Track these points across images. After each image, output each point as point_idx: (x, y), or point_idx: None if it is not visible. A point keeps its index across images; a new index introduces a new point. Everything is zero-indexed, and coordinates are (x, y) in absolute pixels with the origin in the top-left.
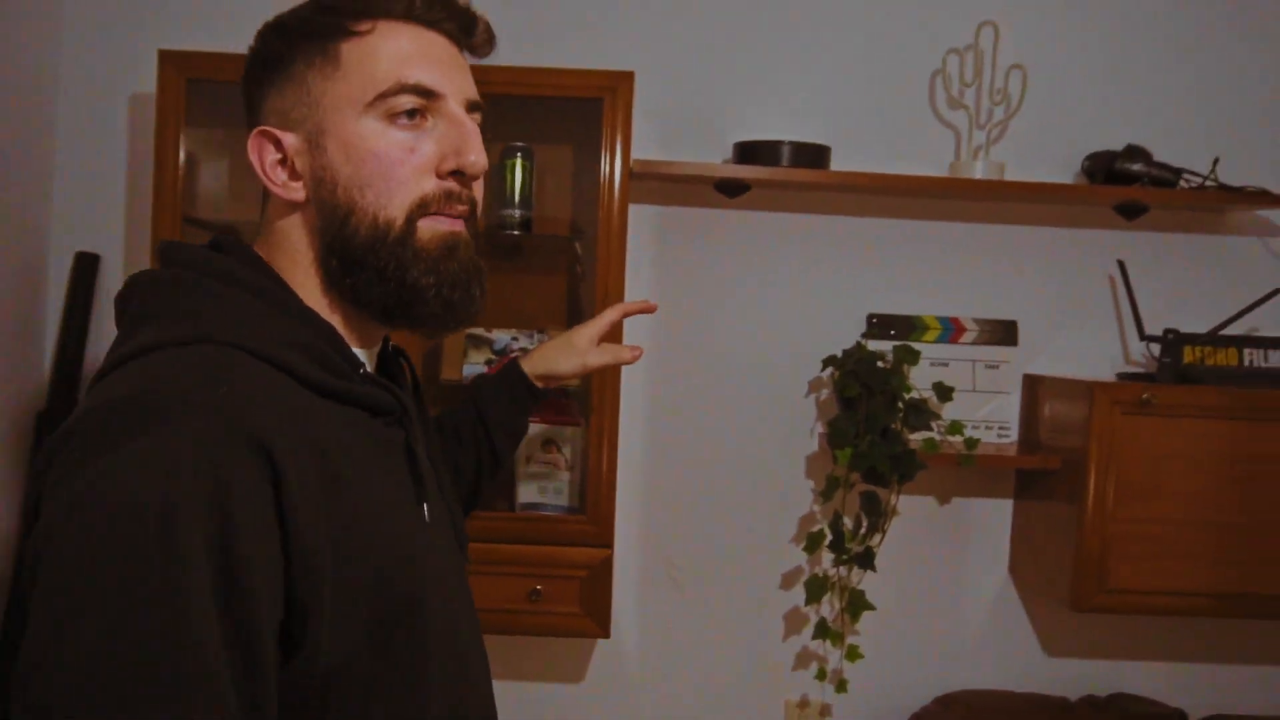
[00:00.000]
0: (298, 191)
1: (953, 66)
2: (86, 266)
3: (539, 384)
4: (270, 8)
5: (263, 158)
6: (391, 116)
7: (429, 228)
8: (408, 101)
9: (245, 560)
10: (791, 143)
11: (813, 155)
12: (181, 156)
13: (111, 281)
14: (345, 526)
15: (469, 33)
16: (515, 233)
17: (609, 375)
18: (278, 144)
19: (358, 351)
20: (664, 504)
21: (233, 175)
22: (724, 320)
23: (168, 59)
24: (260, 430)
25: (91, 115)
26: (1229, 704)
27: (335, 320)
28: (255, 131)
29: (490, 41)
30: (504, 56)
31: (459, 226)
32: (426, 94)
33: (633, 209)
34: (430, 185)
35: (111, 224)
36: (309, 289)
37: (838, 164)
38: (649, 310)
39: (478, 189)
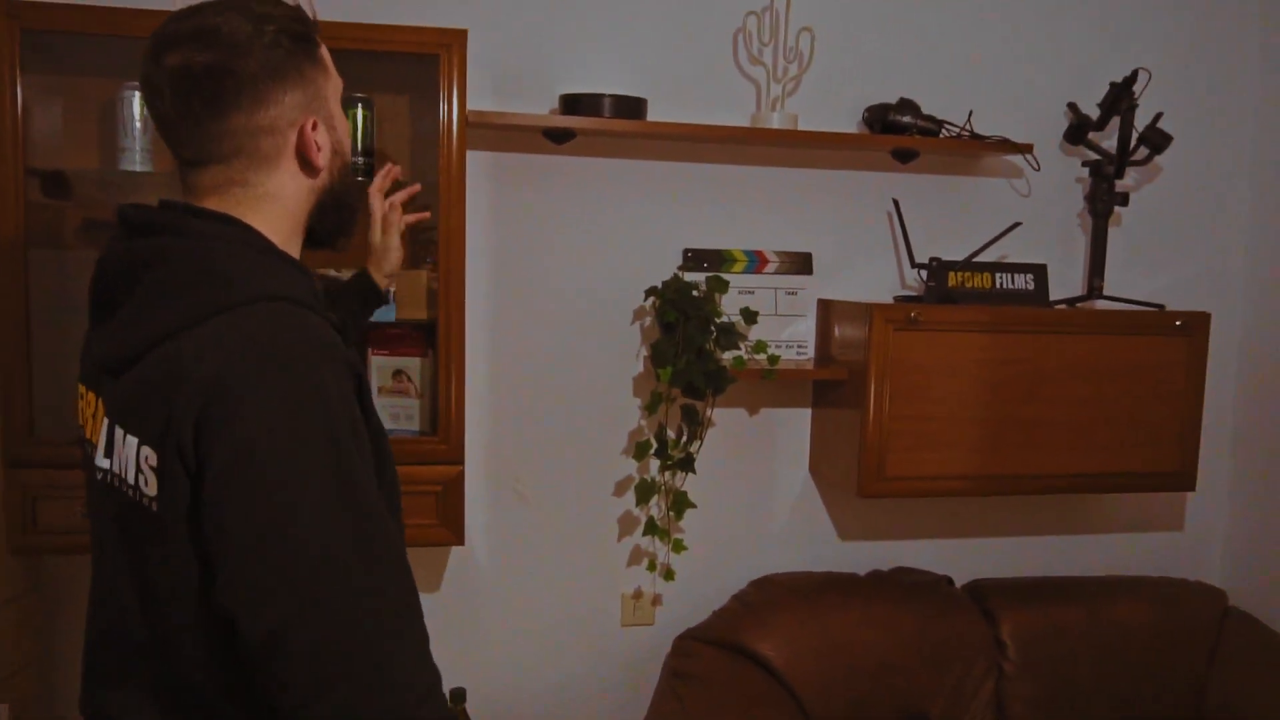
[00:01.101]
0: (323, 160)
1: (752, 26)
2: None
3: (383, 283)
4: None
5: (309, 138)
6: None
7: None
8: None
9: (363, 436)
10: (612, 95)
11: (631, 107)
12: (21, 106)
13: None
14: (374, 413)
15: None
16: (360, 179)
17: (453, 309)
18: (314, 127)
19: None
20: (507, 425)
21: (65, 121)
22: (555, 256)
23: (1, 8)
24: (348, 359)
25: None
26: (986, 570)
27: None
28: (305, 124)
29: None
30: (348, 13)
31: None
32: None
33: (470, 155)
34: None
35: None
36: (286, 241)
37: (653, 114)
38: (402, 184)
39: None
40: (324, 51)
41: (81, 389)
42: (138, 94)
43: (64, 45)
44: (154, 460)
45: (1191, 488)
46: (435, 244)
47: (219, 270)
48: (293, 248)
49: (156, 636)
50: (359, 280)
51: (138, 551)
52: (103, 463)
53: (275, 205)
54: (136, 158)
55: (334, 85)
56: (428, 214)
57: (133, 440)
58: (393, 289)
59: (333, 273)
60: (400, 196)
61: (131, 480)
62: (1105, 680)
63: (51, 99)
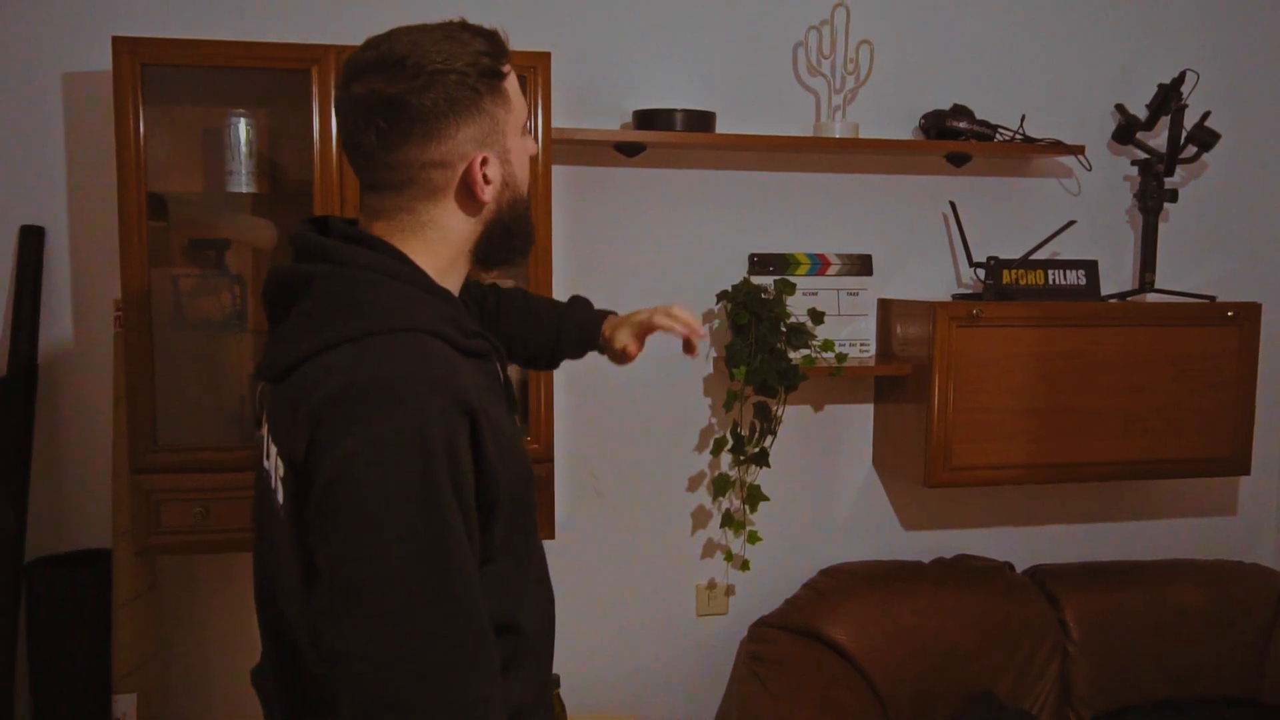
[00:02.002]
0: (490, 195)
1: (812, 41)
2: (32, 239)
3: (602, 340)
4: None
5: (475, 175)
6: (524, 132)
7: None
8: (525, 121)
9: (465, 476)
10: (684, 110)
11: (701, 120)
12: (143, 135)
13: (57, 252)
14: (501, 446)
15: None
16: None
17: None
18: (484, 162)
19: None
20: (586, 425)
21: (173, 149)
22: (628, 263)
23: (121, 44)
24: (461, 396)
25: (25, 95)
26: (1045, 556)
27: (450, 288)
28: (475, 160)
29: None
30: None
31: None
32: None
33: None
34: None
35: (53, 198)
36: (440, 269)
37: (720, 126)
38: (694, 335)
39: None
40: (508, 82)
41: (262, 416)
42: (244, 120)
43: (168, 76)
44: (282, 471)
45: (1245, 472)
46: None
47: (356, 301)
48: (452, 275)
49: (278, 626)
50: (591, 319)
51: (269, 546)
52: (264, 463)
53: (437, 234)
54: (242, 180)
55: (515, 117)
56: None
57: (274, 449)
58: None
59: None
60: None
61: (273, 484)
62: (1165, 659)
63: (157, 127)
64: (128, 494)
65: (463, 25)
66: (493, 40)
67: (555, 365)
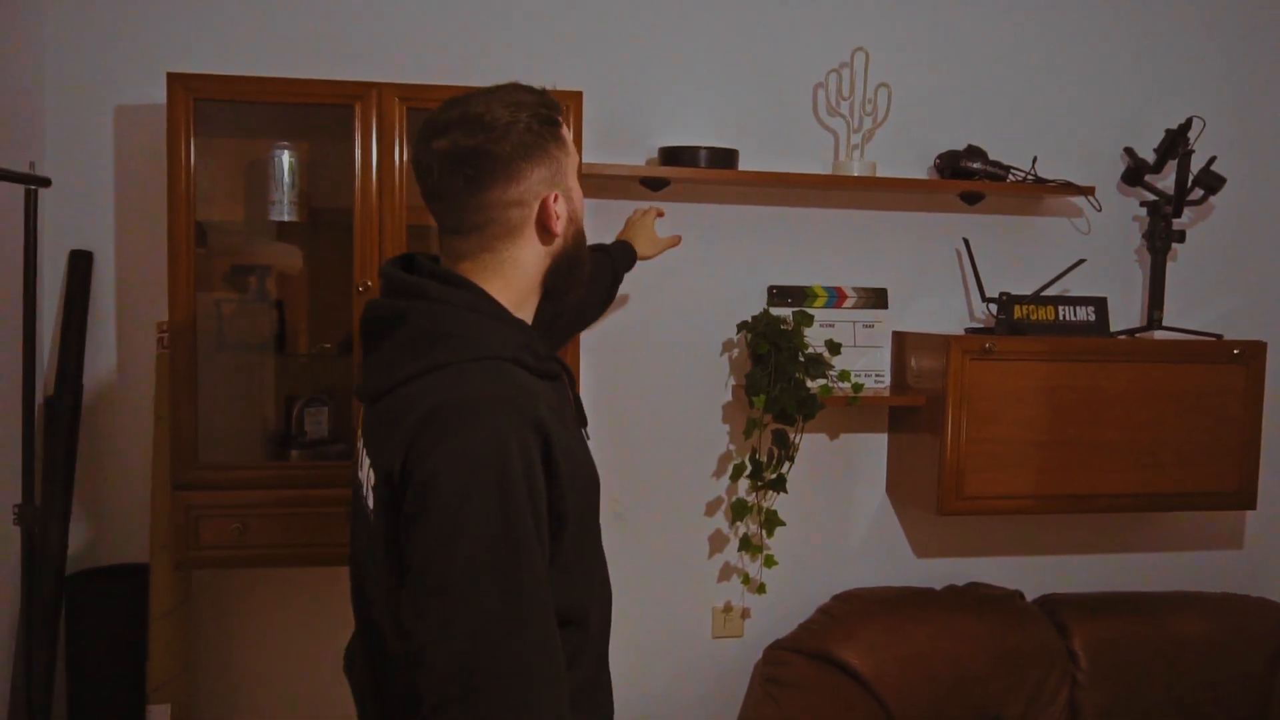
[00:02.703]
0: (560, 228)
1: (832, 83)
2: (80, 264)
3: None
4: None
5: (550, 210)
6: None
7: None
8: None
9: (538, 490)
10: (708, 147)
11: (724, 157)
12: (193, 166)
13: (103, 277)
14: (571, 461)
15: None
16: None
17: (569, 345)
18: (555, 199)
19: None
20: (607, 450)
21: (215, 179)
22: (650, 294)
23: (175, 80)
24: (536, 415)
25: (80, 126)
26: (1055, 586)
27: (525, 318)
28: (548, 197)
29: None
30: (470, 79)
31: None
32: None
33: None
34: None
35: (102, 224)
36: (516, 301)
37: (743, 164)
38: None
39: None
40: (565, 131)
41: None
42: (287, 152)
43: (214, 109)
44: (374, 481)
45: (1251, 506)
46: None
47: (445, 333)
48: (526, 307)
49: (369, 620)
50: (624, 247)
51: (362, 551)
52: (359, 474)
53: (515, 270)
54: (284, 210)
55: (572, 160)
56: (679, 237)
57: (367, 461)
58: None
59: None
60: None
61: (365, 493)
62: (1173, 689)
63: (201, 158)
64: (166, 510)
65: (518, 86)
66: (545, 96)
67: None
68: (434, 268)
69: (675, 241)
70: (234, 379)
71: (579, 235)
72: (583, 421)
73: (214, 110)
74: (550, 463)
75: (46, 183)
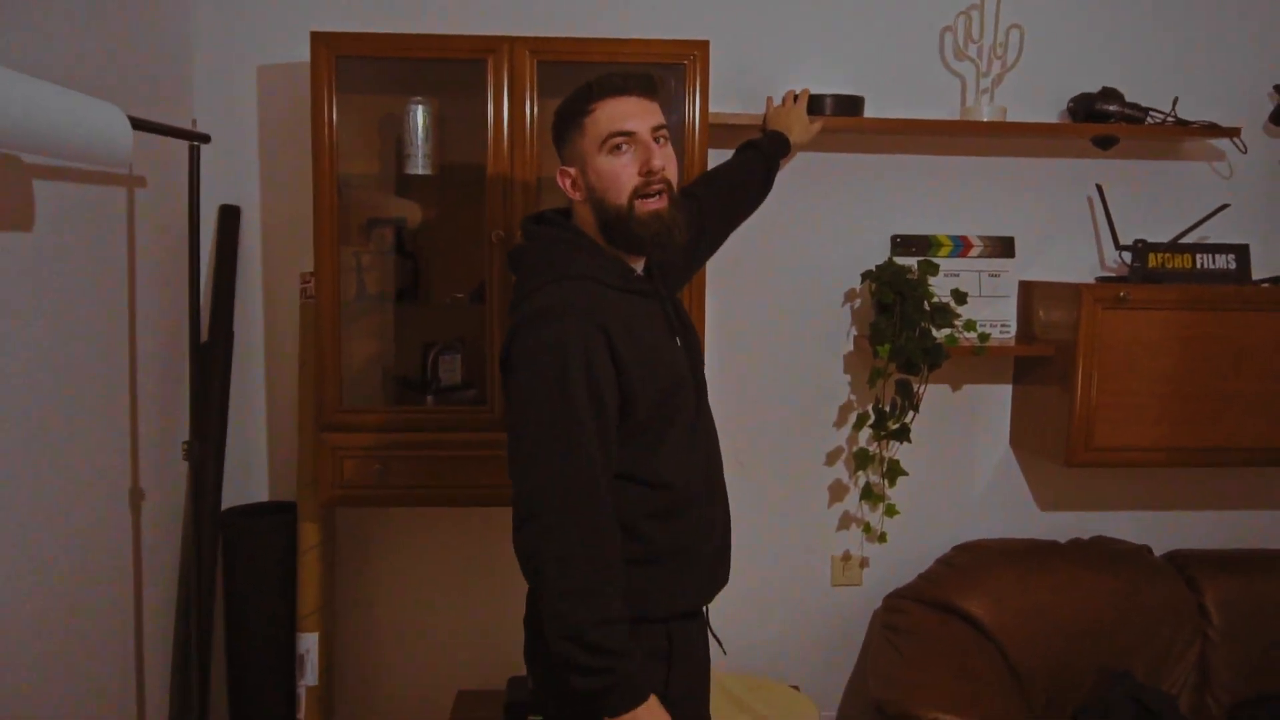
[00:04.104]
0: (580, 197)
1: (961, 25)
2: (230, 217)
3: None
4: None
5: (564, 181)
6: (611, 151)
7: (640, 206)
8: (614, 141)
9: (600, 373)
10: (833, 95)
11: (850, 105)
12: (335, 122)
13: (251, 229)
14: (642, 355)
15: (647, 87)
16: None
17: (695, 295)
18: (563, 174)
19: (634, 266)
20: (728, 398)
21: (352, 134)
22: (774, 244)
23: (319, 39)
24: (599, 319)
25: (224, 87)
26: (1181, 542)
27: (618, 253)
28: (559, 170)
29: (661, 85)
30: (599, 31)
31: (657, 203)
32: (624, 134)
33: None
34: (635, 182)
35: (248, 180)
36: (595, 233)
37: (869, 111)
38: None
39: (670, 173)
40: (589, 118)
41: None
42: (421, 107)
43: (351, 66)
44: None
45: None
46: None
47: (543, 262)
48: (602, 237)
49: None
50: (776, 138)
51: None
52: None
53: (582, 219)
54: (419, 163)
55: (590, 141)
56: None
57: None
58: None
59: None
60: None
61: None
62: None
63: (339, 114)
64: (312, 451)
65: (610, 73)
66: (584, 89)
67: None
68: (540, 215)
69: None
70: (372, 327)
71: (604, 206)
72: (676, 332)
73: (351, 67)
74: (615, 356)
75: (207, 139)
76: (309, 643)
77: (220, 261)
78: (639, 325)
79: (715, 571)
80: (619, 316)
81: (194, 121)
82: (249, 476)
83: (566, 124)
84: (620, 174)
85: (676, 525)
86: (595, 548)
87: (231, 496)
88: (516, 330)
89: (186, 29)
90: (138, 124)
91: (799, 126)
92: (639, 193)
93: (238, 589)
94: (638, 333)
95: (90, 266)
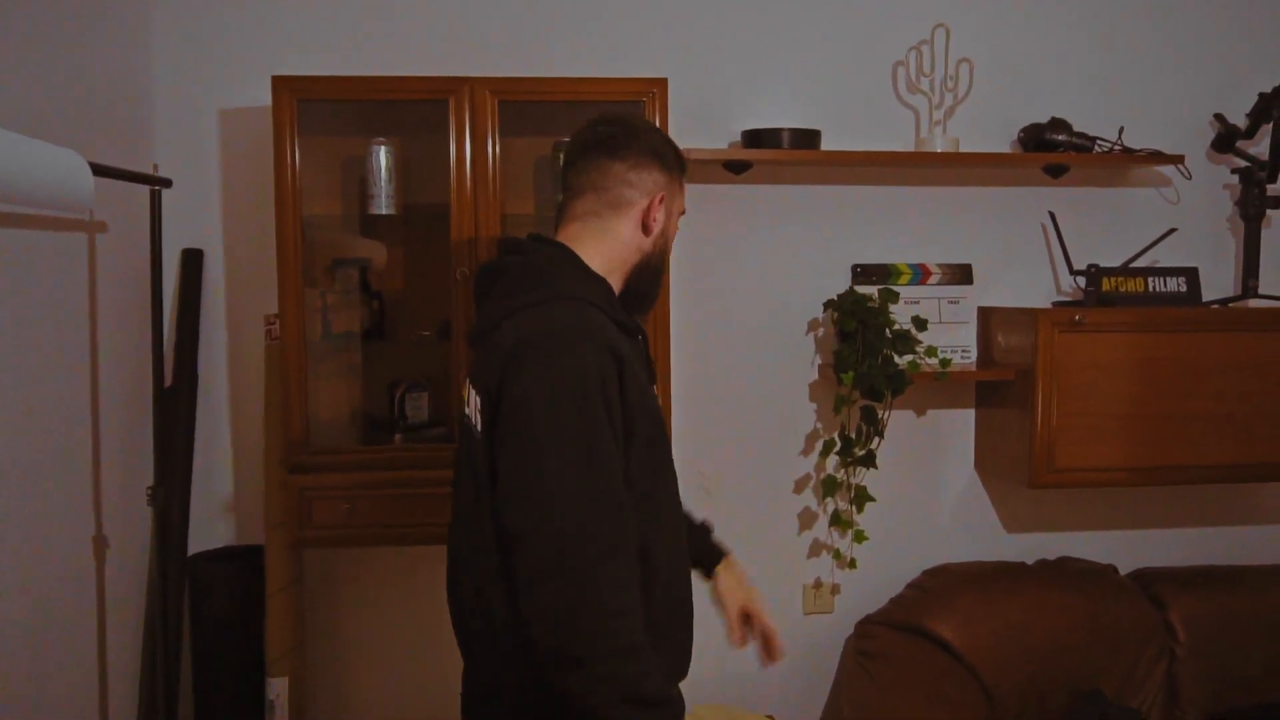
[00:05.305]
0: (655, 230)
1: (913, 60)
2: (193, 261)
3: (709, 577)
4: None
5: (652, 210)
6: (678, 219)
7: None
8: (681, 214)
9: (613, 403)
10: (790, 129)
11: (806, 138)
12: (298, 164)
13: (214, 272)
14: (639, 391)
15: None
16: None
17: (659, 327)
18: (660, 201)
19: None
20: (696, 428)
21: (313, 176)
22: (736, 276)
23: (281, 83)
24: (612, 345)
25: (186, 131)
26: (1146, 560)
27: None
28: (656, 200)
29: None
30: (560, 70)
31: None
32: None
33: None
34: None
35: (210, 223)
36: (605, 269)
37: (825, 145)
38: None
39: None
40: (681, 185)
41: (464, 382)
42: (384, 148)
43: (312, 109)
44: (479, 404)
45: None
46: None
47: (539, 278)
48: (613, 280)
49: (477, 514)
50: (716, 551)
51: (473, 464)
52: (466, 411)
53: (612, 240)
54: (383, 203)
55: (679, 204)
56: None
57: (473, 391)
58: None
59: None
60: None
61: (473, 419)
62: (1275, 662)
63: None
64: (278, 492)
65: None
66: (679, 153)
67: None
68: (534, 235)
69: (734, 627)
70: (338, 367)
71: (664, 254)
72: (653, 379)
73: (313, 109)
74: (622, 387)
75: (168, 183)
76: (279, 688)
77: (183, 305)
78: (635, 363)
79: (689, 650)
80: (623, 348)
81: (155, 166)
82: (215, 521)
83: (674, 160)
84: (670, 245)
85: (649, 612)
86: (634, 598)
87: (198, 541)
88: (524, 353)
89: (147, 73)
90: (98, 170)
91: (733, 579)
92: (666, 265)
93: (205, 635)
94: (635, 370)
95: (52, 312)
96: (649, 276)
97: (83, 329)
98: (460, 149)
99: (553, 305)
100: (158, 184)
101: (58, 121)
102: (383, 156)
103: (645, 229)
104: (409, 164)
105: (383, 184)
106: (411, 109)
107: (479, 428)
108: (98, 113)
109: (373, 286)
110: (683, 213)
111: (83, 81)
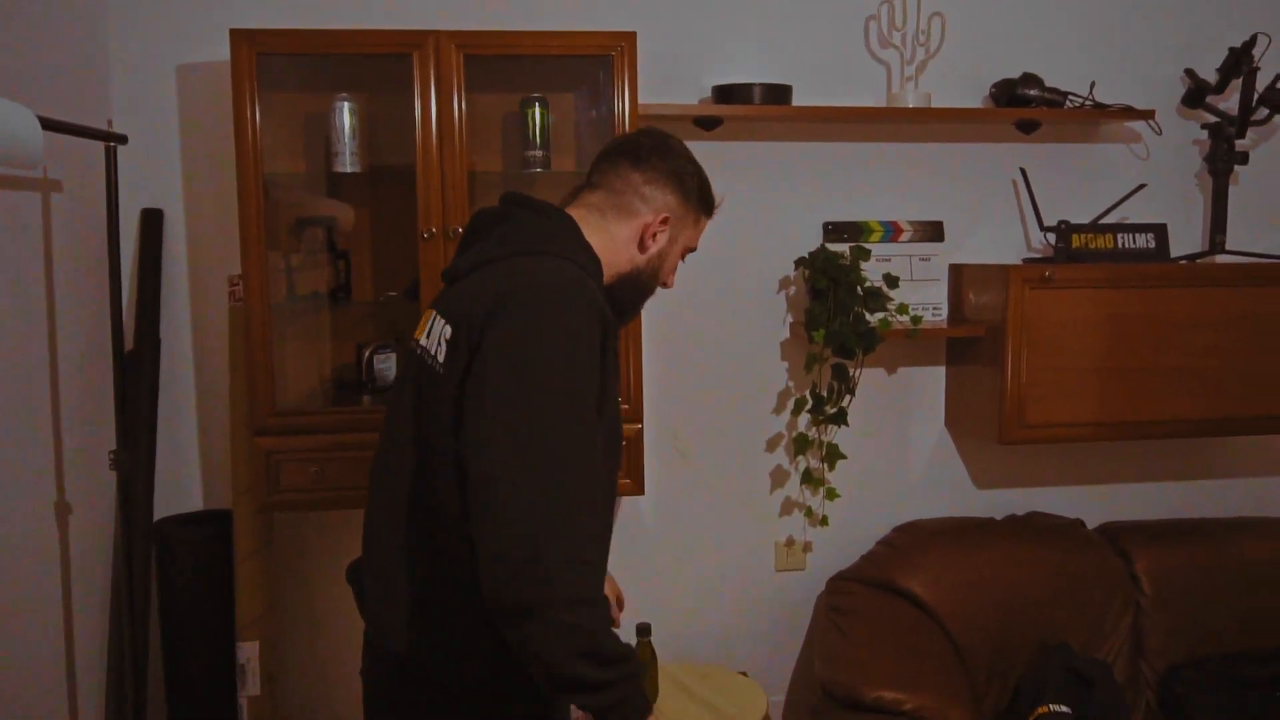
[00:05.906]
0: (652, 250)
1: (885, 14)
2: (152, 221)
3: None
4: None
5: (651, 230)
6: (683, 256)
7: (647, 293)
8: (689, 253)
9: (600, 359)
10: (761, 84)
11: (778, 94)
12: (259, 122)
13: (175, 233)
14: (613, 370)
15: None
16: (537, 170)
17: None
18: (663, 223)
19: None
20: (669, 388)
21: (275, 133)
22: (709, 233)
23: (239, 36)
24: (600, 304)
25: (143, 88)
26: (1114, 514)
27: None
28: (660, 220)
29: None
30: (527, 23)
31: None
32: (693, 251)
33: None
34: (663, 284)
35: (170, 182)
36: (597, 244)
37: (796, 100)
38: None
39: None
40: (698, 222)
41: (425, 312)
42: (348, 104)
43: (274, 64)
44: (449, 335)
45: None
46: None
47: (539, 232)
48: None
49: (422, 461)
50: None
51: (423, 400)
52: (423, 341)
53: (608, 241)
54: (348, 161)
55: (688, 238)
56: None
57: (441, 322)
58: None
59: None
60: None
61: (432, 351)
62: (1239, 613)
63: (262, 113)
64: (245, 456)
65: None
66: (711, 194)
67: None
68: (545, 201)
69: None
70: (304, 329)
71: (654, 277)
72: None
73: (273, 65)
74: (604, 350)
75: (123, 139)
76: (249, 652)
77: (144, 267)
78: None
79: None
80: (610, 321)
81: (110, 122)
82: (182, 485)
83: (696, 191)
84: (670, 275)
85: None
86: (602, 556)
87: (164, 506)
88: (519, 300)
89: (100, 27)
90: (48, 124)
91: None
92: (654, 290)
93: (174, 601)
94: (614, 345)
95: (6, 273)
96: (633, 289)
97: (39, 291)
98: (425, 105)
99: (555, 260)
100: (112, 140)
101: (6, 77)
102: (346, 113)
103: (642, 245)
104: (374, 121)
105: (346, 141)
106: (375, 64)
107: (441, 358)
108: (50, 69)
109: (339, 246)
110: (691, 250)
111: (31, 33)
